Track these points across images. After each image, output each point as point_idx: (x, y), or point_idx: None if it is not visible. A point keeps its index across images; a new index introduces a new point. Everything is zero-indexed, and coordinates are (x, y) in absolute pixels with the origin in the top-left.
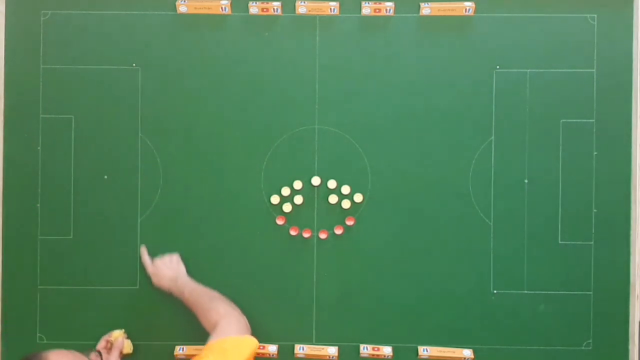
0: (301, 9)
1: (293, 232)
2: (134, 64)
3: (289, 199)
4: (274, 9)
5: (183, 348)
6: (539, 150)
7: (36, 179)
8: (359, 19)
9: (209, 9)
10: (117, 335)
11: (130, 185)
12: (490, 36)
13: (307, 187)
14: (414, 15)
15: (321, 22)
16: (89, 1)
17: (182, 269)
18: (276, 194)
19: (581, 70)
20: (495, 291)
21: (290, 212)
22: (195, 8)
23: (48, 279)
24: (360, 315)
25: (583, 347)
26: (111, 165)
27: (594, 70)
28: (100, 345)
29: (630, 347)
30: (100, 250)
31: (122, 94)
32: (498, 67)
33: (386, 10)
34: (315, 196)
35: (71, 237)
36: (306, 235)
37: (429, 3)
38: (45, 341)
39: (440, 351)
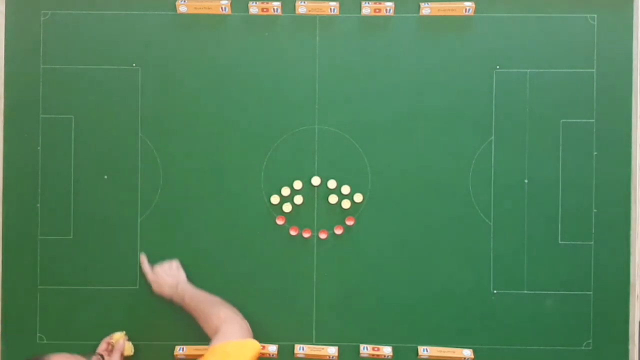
0: (301, 9)
1: (293, 232)
2: (134, 64)
3: (289, 199)
4: (274, 9)
5: (183, 348)
6: (539, 150)
7: (36, 179)
8: (359, 19)
9: (209, 9)
10: (118, 338)
11: (130, 185)
12: (490, 36)
13: (307, 187)
14: (414, 15)
15: (321, 22)
16: (89, 1)
17: (182, 275)
18: (276, 194)
19: (581, 70)
20: (495, 291)
21: (290, 212)
22: (195, 8)
23: (48, 279)
24: (360, 315)
25: (583, 347)
26: (111, 165)
27: (594, 70)
28: (102, 347)
29: (630, 347)
30: (100, 250)
31: (122, 94)
32: (498, 67)
33: (386, 10)
34: (315, 196)
35: (71, 237)
36: (306, 235)
37: (429, 3)
38: (45, 341)
39: (440, 351)
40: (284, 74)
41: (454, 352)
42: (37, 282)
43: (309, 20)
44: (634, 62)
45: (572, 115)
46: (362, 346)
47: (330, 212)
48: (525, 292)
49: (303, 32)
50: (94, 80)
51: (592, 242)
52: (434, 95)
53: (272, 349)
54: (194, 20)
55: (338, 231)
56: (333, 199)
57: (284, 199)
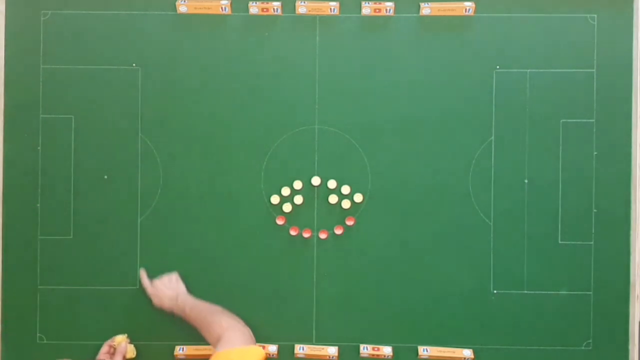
0: (301, 9)
1: (293, 232)
2: (134, 64)
3: (289, 199)
4: (274, 9)
5: (183, 348)
6: (539, 150)
7: (36, 179)
8: (359, 19)
9: (209, 9)
10: (120, 340)
11: (130, 185)
12: (490, 36)
13: (307, 187)
14: (414, 15)
15: (321, 22)
16: (89, 1)
17: (181, 287)
18: (276, 194)
19: (581, 70)
20: (495, 291)
21: (290, 212)
22: (195, 8)
23: (48, 279)
24: (360, 315)
25: (583, 347)
26: (111, 165)
27: (594, 70)
28: (103, 350)
29: (630, 347)
30: (100, 250)
31: (122, 94)
32: (498, 67)
33: (386, 10)
34: (315, 196)
35: (71, 237)
36: (306, 235)
37: (429, 3)
38: (45, 341)
39: (440, 351)
40: (284, 74)
41: (454, 352)
42: (37, 282)
43: (309, 20)
44: (634, 62)
45: (572, 115)
46: (362, 346)
47: (330, 212)
48: (525, 292)
49: (303, 32)
50: (94, 80)
51: (592, 242)
52: (434, 95)
53: (272, 349)
54: (194, 20)
55: (338, 231)
56: (333, 199)
57: (284, 199)
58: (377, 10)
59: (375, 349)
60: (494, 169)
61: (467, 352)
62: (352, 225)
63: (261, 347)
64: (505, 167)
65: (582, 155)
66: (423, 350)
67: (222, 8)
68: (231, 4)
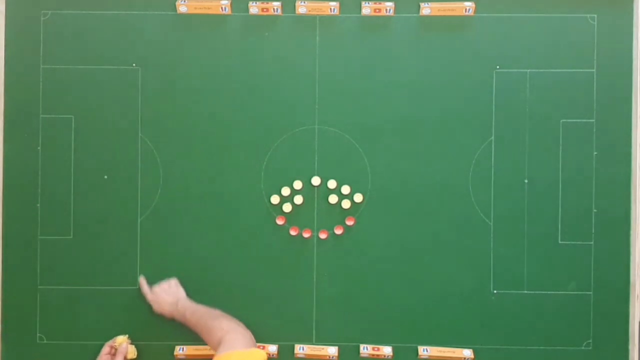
0: (301, 9)
1: (293, 232)
2: (134, 64)
3: (289, 199)
4: (274, 9)
5: (183, 348)
6: (539, 150)
7: (36, 179)
8: (359, 19)
9: (209, 9)
10: (121, 341)
11: (130, 185)
12: (490, 36)
13: (307, 187)
14: (414, 15)
15: (321, 22)
16: (89, 1)
17: (181, 292)
18: (276, 194)
19: (581, 70)
20: (495, 291)
21: (290, 212)
22: (195, 8)
23: (48, 279)
24: (360, 315)
25: (583, 347)
26: (111, 165)
27: (594, 70)
28: (104, 351)
29: (630, 347)
30: (100, 250)
31: (122, 94)
32: (498, 67)
33: (386, 10)
34: (315, 196)
35: (71, 237)
36: (306, 235)
37: (429, 3)
38: (45, 341)
39: (440, 351)
40: (284, 73)
41: (454, 352)
42: (37, 282)
43: (309, 20)
44: (634, 62)
45: (572, 115)
46: (362, 346)
47: (330, 212)
48: (525, 292)
49: (303, 32)
50: (94, 80)
51: (592, 242)
52: (434, 96)
53: (272, 349)
54: (194, 20)
55: (338, 231)
56: (333, 199)
57: (284, 199)
58: (377, 10)
59: (375, 349)
60: (494, 169)
61: (467, 352)
62: (352, 225)
63: (263, 350)
64: (505, 167)
65: (582, 155)
66: (423, 350)
67: (222, 8)
68: (231, 4)
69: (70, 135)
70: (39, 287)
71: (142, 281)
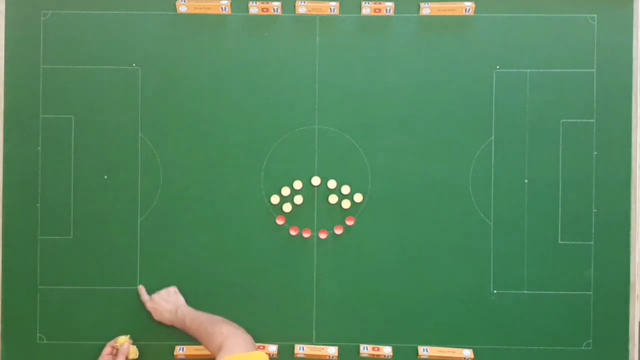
0: (301, 9)
1: (293, 232)
2: (134, 64)
3: (289, 199)
4: (274, 9)
5: (183, 348)
6: (539, 150)
7: (36, 179)
8: (359, 19)
9: (208, 9)
10: (123, 341)
11: (130, 185)
12: (490, 36)
13: (307, 187)
14: (414, 15)
15: (321, 22)
16: (89, 1)
17: (180, 299)
18: (276, 194)
19: (581, 70)
20: (495, 291)
21: (290, 212)
22: (195, 8)
23: (48, 279)
24: (360, 315)
25: (583, 347)
26: (111, 165)
27: (594, 70)
28: (106, 351)
29: (630, 347)
30: (100, 250)
31: (122, 94)
32: (498, 67)
33: (386, 10)
34: (315, 196)
35: (71, 237)
36: (306, 235)
37: (429, 3)
38: (45, 341)
39: (440, 351)
40: (284, 74)
41: (454, 352)
42: (37, 282)
43: (309, 20)
44: (634, 62)
45: (572, 115)
46: (362, 346)
47: (330, 212)
48: (525, 292)
49: (303, 32)
50: (94, 80)
51: (592, 242)
52: (434, 95)
53: (272, 349)
54: (194, 20)
55: (338, 231)
56: (333, 199)
57: (284, 199)
58: (377, 10)
59: (375, 349)
60: (494, 169)
61: (467, 352)
62: (352, 225)
63: (264, 352)
64: (505, 167)
65: (582, 155)
66: (423, 350)
67: (222, 8)
68: (231, 4)
69: (70, 135)
70: (39, 287)
71: (142, 290)
